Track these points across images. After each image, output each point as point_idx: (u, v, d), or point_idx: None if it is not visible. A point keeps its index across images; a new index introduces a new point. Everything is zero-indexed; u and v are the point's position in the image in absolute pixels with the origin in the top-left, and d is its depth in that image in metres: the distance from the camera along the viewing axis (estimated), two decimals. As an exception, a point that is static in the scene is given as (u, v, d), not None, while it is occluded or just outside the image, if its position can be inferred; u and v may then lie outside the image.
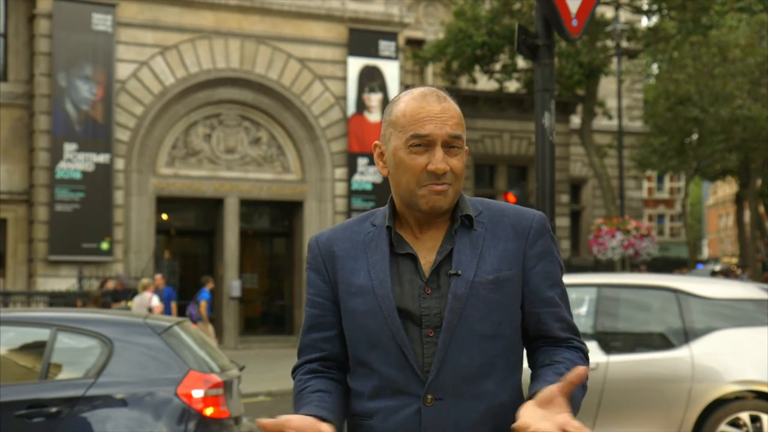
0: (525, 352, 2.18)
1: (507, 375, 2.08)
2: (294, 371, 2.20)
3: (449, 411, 2.03)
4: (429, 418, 2.02)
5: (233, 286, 22.85)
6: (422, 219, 2.12)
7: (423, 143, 2.06)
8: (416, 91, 2.12)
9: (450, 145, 2.06)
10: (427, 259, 2.10)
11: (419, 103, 2.08)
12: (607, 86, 31.20)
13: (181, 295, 21.85)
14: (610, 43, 26.06)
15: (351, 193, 23.84)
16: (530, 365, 2.16)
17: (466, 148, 2.15)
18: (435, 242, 2.12)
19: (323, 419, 1.99)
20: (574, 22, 5.24)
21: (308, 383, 2.13)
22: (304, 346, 2.19)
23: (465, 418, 2.03)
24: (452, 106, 2.10)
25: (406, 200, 2.11)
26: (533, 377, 2.09)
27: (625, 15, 29.38)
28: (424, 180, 2.06)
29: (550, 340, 2.13)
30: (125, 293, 17.84)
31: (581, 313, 7.59)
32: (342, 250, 2.15)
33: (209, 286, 18.45)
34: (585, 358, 2.13)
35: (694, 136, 31.75)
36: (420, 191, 2.07)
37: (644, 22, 32.09)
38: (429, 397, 2.03)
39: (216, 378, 6.14)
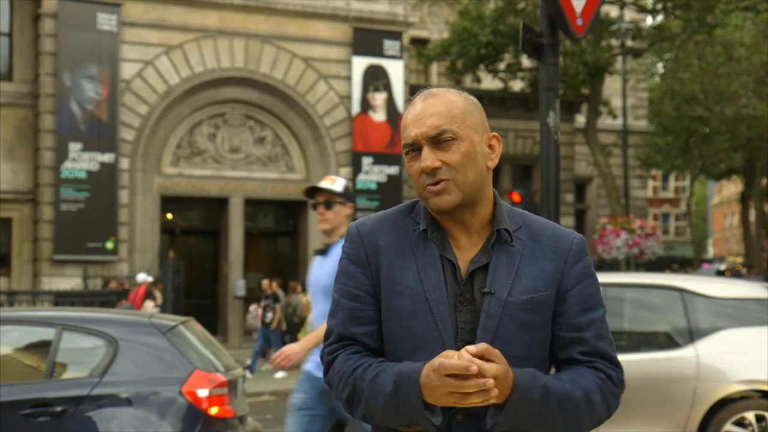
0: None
1: None
2: (333, 353, 2.09)
3: (478, 428, 1.99)
4: None
5: (238, 285, 22.88)
6: (456, 224, 2.07)
7: (414, 148, 2.04)
8: (413, 99, 2.10)
9: (440, 140, 2.01)
10: (464, 268, 2.06)
11: (407, 109, 2.08)
12: (611, 85, 31.16)
13: (186, 294, 21.89)
14: (614, 42, 26.03)
15: (356, 192, 23.83)
16: None
17: (494, 134, 2.10)
18: (471, 252, 2.07)
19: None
20: (579, 21, 5.23)
21: (365, 359, 2.04)
22: (342, 338, 2.09)
23: None
24: (439, 100, 2.04)
25: (423, 204, 2.09)
26: None
27: (629, 14, 29.32)
28: (424, 181, 2.03)
29: (570, 362, 2.08)
30: (125, 293, 17.90)
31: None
32: (388, 245, 2.08)
33: None
34: (606, 380, 2.05)
35: (699, 136, 31.69)
36: (424, 194, 2.04)
37: (649, 21, 32.06)
38: (459, 413, 1.99)
39: (221, 377, 6.14)
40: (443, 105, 2.03)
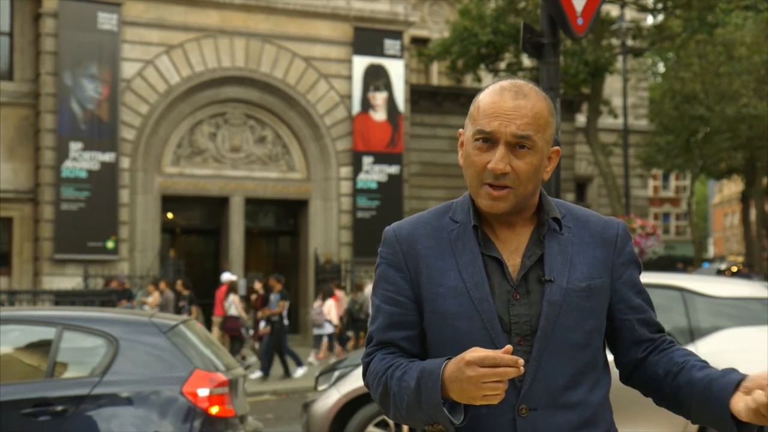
0: (616, 358, 2.15)
1: (596, 383, 2.04)
2: (370, 355, 2.09)
3: (543, 422, 1.97)
4: (524, 429, 1.96)
5: (238, 284, 22.86)
6: (502, 218, 2.04)
7: (487, 139, 1.99)
8: (498, 84, 2.05)
9: (517, 145, 1.98)
10: (511, 262, 2.03)
11: (493, 97, 2.03)
12: (612, 85, 31.16)
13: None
14: (615, 41, 26.03)
15: (356, 192, 23.84)
16: (637, 374, 2.15)
17: (556, 148, 2.08)
18: (519, 245, 2.04)
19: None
20: (580, 21, 5.24)
21: (399, 359, 2.03)
22: (381, 343, 2.07)
23: (559, 429, 1.98)
24: (530, 103, 2.00)
25: (472, 194, 2.05)
26: (684, 382, 2.08)
27: (630, 13, 29.31)
28: (485, 177, 1.99)
29: (646, 344, 2.11)
30: (126, 293, 17.90)
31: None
32: (426, 248, 2.05)
33: None
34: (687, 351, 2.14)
35: (700, 135, 31.70)
36: (481, 189, 2.01)
37: (650, 20, 32.06)
38: (523, 407, 1.96)
39: (221, 377, 6.14)
40: (534, 111, 2.00)
